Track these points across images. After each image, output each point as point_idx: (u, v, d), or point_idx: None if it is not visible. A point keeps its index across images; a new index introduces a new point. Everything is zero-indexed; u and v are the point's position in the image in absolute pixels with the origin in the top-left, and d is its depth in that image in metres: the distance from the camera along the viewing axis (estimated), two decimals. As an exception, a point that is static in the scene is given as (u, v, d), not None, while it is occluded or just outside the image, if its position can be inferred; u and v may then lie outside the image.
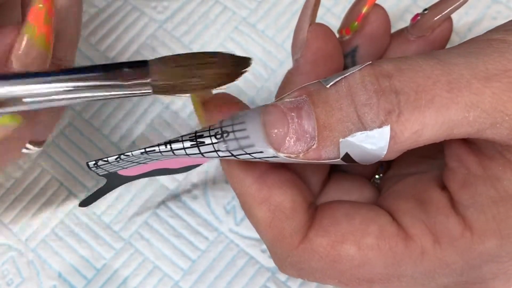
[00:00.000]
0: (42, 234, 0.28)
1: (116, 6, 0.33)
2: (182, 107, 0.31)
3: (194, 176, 0.29)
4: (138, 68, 0.19)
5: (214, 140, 0.18)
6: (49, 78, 0.19)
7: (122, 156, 0.20)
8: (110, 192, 0.27)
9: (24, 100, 0.19)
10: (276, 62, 0.31)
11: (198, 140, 0.19)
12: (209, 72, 0.19)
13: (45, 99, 0.19)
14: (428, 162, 0.23)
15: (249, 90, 0.31)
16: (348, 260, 0.20)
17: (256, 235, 0.28)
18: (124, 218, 0.29)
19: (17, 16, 0.23)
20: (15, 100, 0.19)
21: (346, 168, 0.25)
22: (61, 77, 0.19)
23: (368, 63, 0.18)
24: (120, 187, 0.27)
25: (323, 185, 0.23)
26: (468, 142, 0.19)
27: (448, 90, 0.17)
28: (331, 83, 0.18)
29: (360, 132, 0.17)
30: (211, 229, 0.28)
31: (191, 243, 0.28)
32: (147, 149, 0.19)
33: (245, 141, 0.18)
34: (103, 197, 0.27)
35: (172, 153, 0.19)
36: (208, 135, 0.18)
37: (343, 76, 0.18)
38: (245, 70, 0.19)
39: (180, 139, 0.19)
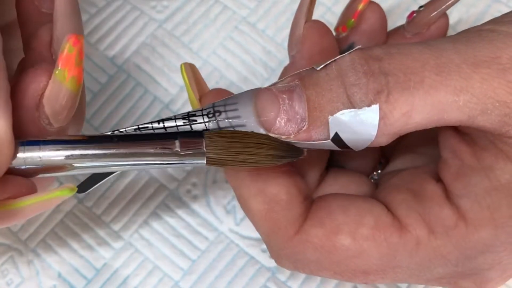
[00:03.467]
0: (42, 234, 0.29)
1: (115, 6, 0.33)
2: (181, 108, 0.31)
3: (194, 175, 0.30)
4: (193, 138, 0.20)
5: (206, 119, 0.19)
6: (103, 145, 0.19)
7: (115, 133, 0.20)
8: (110, 192, 0.29)
9: (75, 165, 0.19)
10: (276, 61, 0.32)
11: (190, 118, 0.19)
12: (261, 152, 0.19)
13: (95, 164, 0.20)
14: (424, 158, 0.24)
15: (249, 89, 0.31)
16: (343, 251, 0.21)
17: (256, 235, 0.28)
18: (124, 218, 0.29)
19: (17, 43, 0.23)
20: (67, 164, 0.19)
21: (344, 164, 0.25)
22: (116, 144, 0.19)
23: (358, 47, 0.19)
24: (120, 187, 0.29)
25: (321, 180, 0.24)
26: (461, 133, 0.20)
27: (437, 73, 0.18)
28: (321, 66, 0.18)
29: (349, 110, 0.18)
30: (211, 229, 0.29)
31: (191, 243, 0.29)
32: (141, 126, 0.20)
33: (237, 120, 0.19)
34: (103, 197, 0.29)
35: (164, 131, 0.20)
36: (201, 114, 0.19)
37: (333, 60, 0.19)
38: (295, 157, 0.20)
39: (173, 117, 0.19)
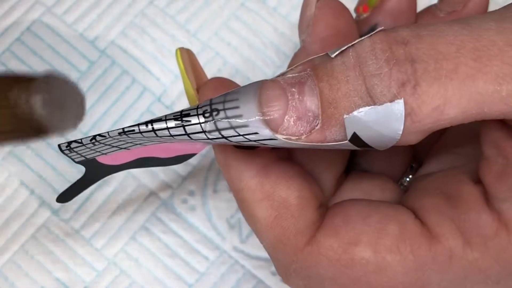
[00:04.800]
0: (9, 252, 0.28)
1: (98, -21, 0.34)
2: (176, 100, 0.30)
3: (191, 182, 0.29)
4: None
5: (202, 120, 0.19)
6: None
7: (97, 137, 0.20)
8: (91, 203, 0.28)
9: None
10: (290, 45, 0.31)
11: (184, 119, 0.19)
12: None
13: None
14: (465, 159, 0.23)
15: (258, 78, 0.30)
16: (362, 265, 0.20)
17: (266, 255, 0.28)
18: (108, 233, 0.28)
19: None
20: None
21: (367, 167, 0.25)
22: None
23: (381, 28, 0.18)
24: (102, 196, 0.28)
25: (338, 184, 0.24)
26: (507, 126, 0.19)
27: (475, 59, 0.17)
28: (336, 53, 0.18)
29: (368, 107, 0.17)
30: (212, 247, 0.28)
31: (187, 264, 0.28)
32: (126, 129, 0.19)
33: (238, 120, 0.18)
34: (82, 208, 0.28)
35: (154, 134, 0.19)
36: (196, 113, 0.19)
37: (350, 44, 0.18)
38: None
39: (164, 118, 0.19)
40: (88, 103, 0.30)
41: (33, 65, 0.30)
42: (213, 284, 0.27)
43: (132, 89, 0.30)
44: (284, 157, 0.22)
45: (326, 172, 0.23)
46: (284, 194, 0.21)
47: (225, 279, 0.28)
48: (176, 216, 0.28)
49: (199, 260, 0.28)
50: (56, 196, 0.27)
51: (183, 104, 0.30)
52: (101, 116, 0.30)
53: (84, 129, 0.30)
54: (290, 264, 0.21)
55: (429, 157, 0.25)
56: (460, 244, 0.20)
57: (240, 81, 0.30)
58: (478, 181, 0.21)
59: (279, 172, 0.21)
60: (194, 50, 0.30)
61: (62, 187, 0.28)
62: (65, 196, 0.24)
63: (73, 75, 0.30)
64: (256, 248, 0.28)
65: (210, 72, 0.30)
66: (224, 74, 0.30)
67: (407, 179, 0.25)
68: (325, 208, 0.22)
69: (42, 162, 0.29)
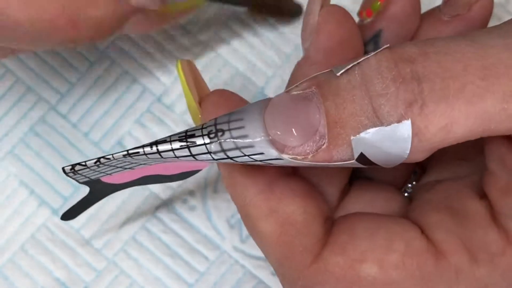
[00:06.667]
0: (9, 252, 0.28)
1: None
2: (176, 100, 0.30)
3: (191, 183, 0.29)
4: None
5: (207, 140, 0.19)
6: None
7: (102, 160, 0.20)
8: None
9: None
10: (290, 45, 0.31)
11: (188, 140, 0.19)
12: None
13: None
14: (469, 166, 0.23)
15: (258, 79, 0.30)
16: (369, 282, 0.20)
17: None
18: (108, 233, 0.29)
19: None
20: None
21: (371, 175, 0.25)
22: None
23: (386, 46, 0.18)
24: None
25: (343, 195, 0.24)
26: None
27: (482, 77, 0.17)
28: (342, 71, 0.18)
29: (375, 128, 0.17)
30: (212, 247, 0.28)
31: (187, 263, 0.28)
32: (130, 151, 0.19)
33: (243, 141, 0.18)
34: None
35: (159, 156, 0.19)
36: (201, 134, 0.19)
37: (356, 62, 0.18)
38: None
39: (168, 139, 0.19)
40: (87, 104, 0.30)
41: (33, 65, 0.30)
42: (213, 284, 0.28)
43: (132, 89, 0.30)
44: (289, 172, 0.22)
45: (330, 185, 0.23)
46: (290, 210, 0.21)
47: (225, 279, 0.28)
48: (176, 216, 0.29)
49: (199, 260, 0.28)
50: (55, 196, 0.28)
51: (183, 104, 0.30)
52: (101, 116, 0.30)
53: (84, 129, 0.29)
54: (296, 281, 0.21)
55: (433, 163, 0.25)
56: (466, 261, 0.20)
57: (240, 82, 0.30)
58: (483, 195, 0.21)
59: (284, 188, 0.21)
60: (194, 50, 0.30)
61: (62, 187, 0.29)
62: (70, 214, 0.24)
63: (73, 75, 0.30)
64: (256, 248, 0.27)
65: (211, 72, 0.30)
66: (224, 75, 0.30)
67: (411, 185, 0.25)
68: (330, 222, 0.22)
69: (41, 162, 0.29)
